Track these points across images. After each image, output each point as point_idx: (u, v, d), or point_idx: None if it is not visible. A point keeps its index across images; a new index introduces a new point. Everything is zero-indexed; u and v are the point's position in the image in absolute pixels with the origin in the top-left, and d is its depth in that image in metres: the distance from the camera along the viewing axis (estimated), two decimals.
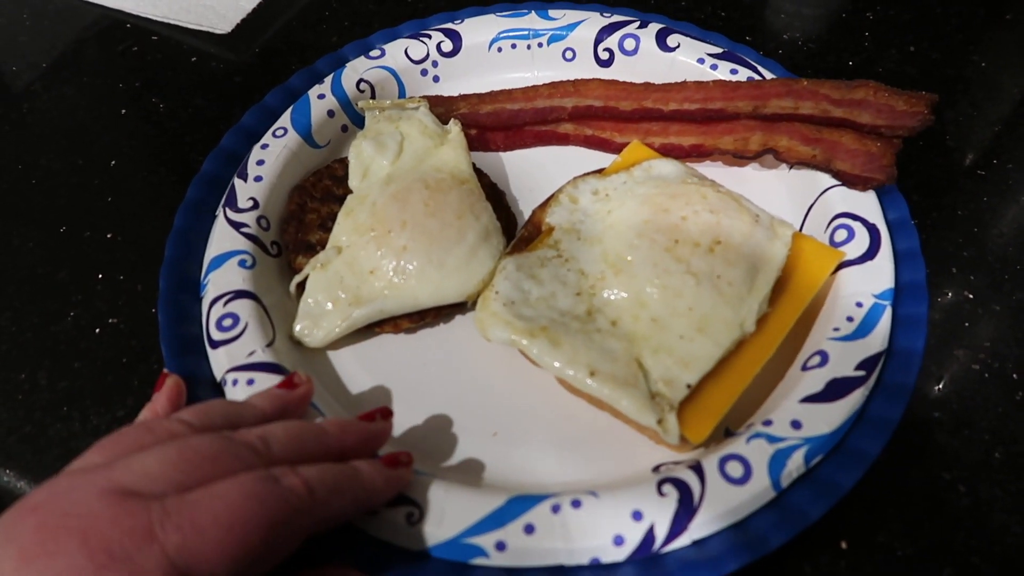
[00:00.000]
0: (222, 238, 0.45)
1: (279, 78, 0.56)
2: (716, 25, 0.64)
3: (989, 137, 0.56)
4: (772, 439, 0.36)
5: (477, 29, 0.58)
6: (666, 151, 0.51)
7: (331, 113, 0.53)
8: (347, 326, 0.43)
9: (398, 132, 0.51)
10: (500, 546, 0.34)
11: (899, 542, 0.37)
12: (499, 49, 0.58)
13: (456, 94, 0.56)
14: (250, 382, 0.39)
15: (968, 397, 0.42)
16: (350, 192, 0.49)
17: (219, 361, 0.40)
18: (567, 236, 0.45)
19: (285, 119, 0.52)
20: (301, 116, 0.52)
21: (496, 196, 0.50)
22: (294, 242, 0.47)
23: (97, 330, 0.46)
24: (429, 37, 0.57)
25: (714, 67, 0.54)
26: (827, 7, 0.67)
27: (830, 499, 0.35)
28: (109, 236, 0.51)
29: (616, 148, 0.53)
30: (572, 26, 0.57)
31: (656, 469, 0.38)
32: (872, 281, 0.42)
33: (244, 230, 0.45)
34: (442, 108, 0.54)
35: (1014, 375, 0.43)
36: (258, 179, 0.48)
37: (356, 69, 0.55)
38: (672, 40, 0.55)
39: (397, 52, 0.56)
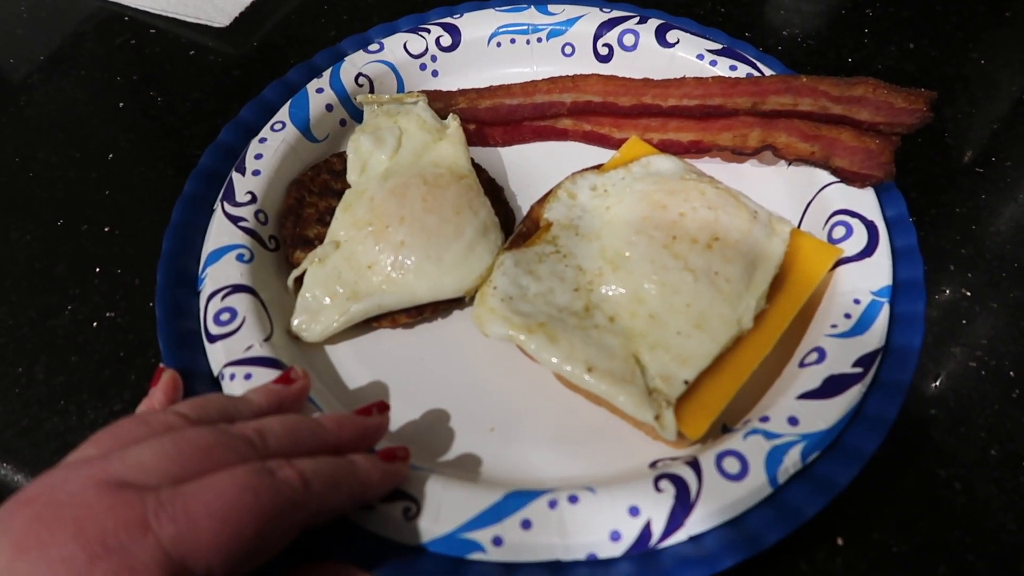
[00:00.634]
0: (220, 232, 0.45)
1: (277, 72, 0.56)
2: (715, 21, 0.64)
3: (988, 135, 0.56)
4: (769, 435, 0.36)
5: (476, 24, 0.58)
6: (665, 147, 0.51)
7: (329, 107, 0.53)
8: (345, 321, 0.43)
9: (396, 127, 0.51)
10: (497, 541, 0.34)
11: (895, 539, 0.37)
12: (498, 44, 0.58)
13: (455, 89, 0.56)
14: (247, 376, 0.39)
15: (965, 395, 0.42)
16: (348, 187, 0.49)
17: (216, 355, 0.40)
18: (565, 232, 0.45)
19: (283, 113, 0.52)
20: (299, 110, 0.52)
21: (494, 191, 0.50)
22: (292, 236, 0.47)
23: (94, 324, 0.46)
24: (428, 31, 0.57)
25: (713, 63, 0.54)
26: (827, 4, 0.67)
27: (826, 496, 0.35)
28: (107, 230, 0.51)
29: (615, 144, 0.53)
30: (571, 21, 0.57)
31: (653, 465, 0.38)
32: (870, 278, 0.42)
33: (242, 224, 0.45)
34: (441, 103, 0.54)
35: (1011, 373, 0.43)
36: (256, 173, 0.48)
37: (355, 63, 0.55)
38: (671, 36, 0.55)
39: (396, 46, 0.56)
